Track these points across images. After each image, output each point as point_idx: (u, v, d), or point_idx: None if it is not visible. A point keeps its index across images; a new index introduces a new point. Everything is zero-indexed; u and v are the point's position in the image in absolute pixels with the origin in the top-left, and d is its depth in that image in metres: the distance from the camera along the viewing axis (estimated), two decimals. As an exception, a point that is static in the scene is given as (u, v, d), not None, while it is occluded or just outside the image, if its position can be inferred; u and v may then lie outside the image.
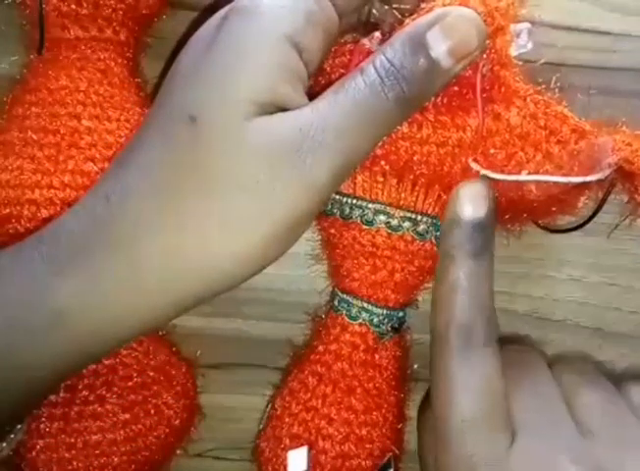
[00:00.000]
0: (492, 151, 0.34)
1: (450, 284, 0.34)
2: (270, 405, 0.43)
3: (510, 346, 0.38)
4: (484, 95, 0.33)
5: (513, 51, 0.32)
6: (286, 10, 0.31)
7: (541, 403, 0.34)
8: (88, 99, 0.37)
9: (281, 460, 0.40)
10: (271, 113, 0.30)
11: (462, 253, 0.34)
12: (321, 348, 0.41)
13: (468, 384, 0.33)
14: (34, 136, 0.37)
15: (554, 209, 0.37)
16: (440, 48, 0.30)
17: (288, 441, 0.40)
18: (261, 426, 0.43)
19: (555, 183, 0.33)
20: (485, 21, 0.31)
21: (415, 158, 0.35)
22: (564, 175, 0.33)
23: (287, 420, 0.40)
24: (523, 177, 0.34)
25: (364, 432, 0.40)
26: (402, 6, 0.35)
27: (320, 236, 0.42)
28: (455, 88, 0.33)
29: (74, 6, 0.37)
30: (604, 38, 0.43)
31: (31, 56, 0.40)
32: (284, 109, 0.30)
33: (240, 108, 0.29)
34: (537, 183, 0.34)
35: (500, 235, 0.43)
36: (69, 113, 0.37)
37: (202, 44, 0.31)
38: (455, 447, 0.33)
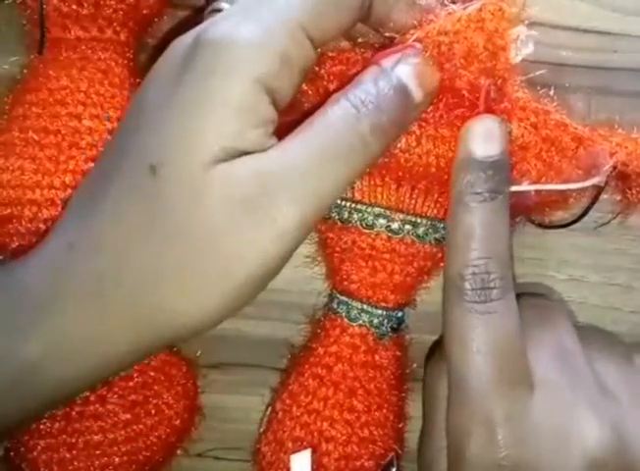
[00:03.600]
0: None
1: (463, 230, 0.33)
2: (269, 409, 0.43)
3: (532, 298, 0.37)
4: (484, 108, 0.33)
5: (516, 58, 0.32)
6: (260, 51, 0.28)
7: (561, 357, 0.34)
8: (89, 99, 0.37)
9: (283, 464, 0.40)
10: (235, 157, 0.28)
11: (475, 197, 0.32)
12: (321, 351, 0.41)
13: (485, 340, 0.32)
14: (35, 137, 0.37)
15: (548, 209, 0.38)
16: (410, 81, 0.30)
17: (290, 444, 0.40)
18: (261, 429, 0.43)
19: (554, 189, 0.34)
20: (485, 46, 0.30)
21: (414, 169, 0.35)
22: (564, 181, 0.33)
23: (288, 423, 0.40)
24: (524, 187, 0.34)
25: (367, 432, 0.40)
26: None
27: (317, 239, 0.42)
28: (455, 101, 0.33)
29: (74, 6, 0.37)
30: (604, 38, 0.43)
31: (32, 56, 0.40)
32: (250, 153, 0.29)
33: (201, 157, 0.28)
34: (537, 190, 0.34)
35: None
36: (69, 113, 0.37)
37: (168, 80, 0.29)
38: (472, 405, 0.32)
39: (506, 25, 0.30)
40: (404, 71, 0.30)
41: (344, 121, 0.29)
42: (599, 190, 0.34)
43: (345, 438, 0.39)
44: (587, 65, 0.43)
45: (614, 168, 0.33)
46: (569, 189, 0.34)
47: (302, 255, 0.43)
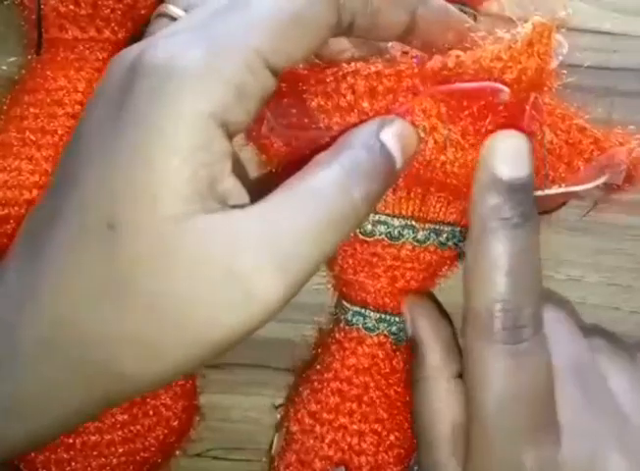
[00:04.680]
0: None
1: (490, 261, 0.29)
2: (283, 430, 0.42)
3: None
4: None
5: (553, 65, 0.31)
6: (211, 81, 0.25)
7: (581, 385, 0.32)
8: (86, 100, 0.37)
9: None
10: (198, 210, 0.25)
11: (503, 223, 0.29)
12: (337, 365, 0.40)
13: (514, 382, 0.29)
14: (32, 137, 0.37)
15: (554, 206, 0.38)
16: (394, 147, 0.28)
17: (318, 464, 0.39)
18: (273, 451, 0.43)
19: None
20: (537, 68, 0.29)
21: (441, 179, 0.33)
22: (579, 182, 0.33)
23: (312, 443, 0.40)
24: (552, 191, 0.33)
25: (393, 438, 0.39)
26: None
27: None
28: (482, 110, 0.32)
29: (72, 6, 0.37)
30: (604, 38, 0.43)
31: (30, 57, 0.40)
32: (211, 198, 0.26)
33: (162, 212, 0.25)
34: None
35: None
36: (67, 113, 0.37)
37: (107, 112, 0.26)
38: (500, 454, 0.30)
39: (553, 42, 0.29)
40: (388, 136, 0.28)
41: (336, 189, 0.26)
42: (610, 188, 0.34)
43: (374, 448, 0.39)
44: (587, 65, 0.43)
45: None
46: (586, 189, 0.33)
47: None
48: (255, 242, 0.25)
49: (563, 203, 0.36)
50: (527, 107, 0.30)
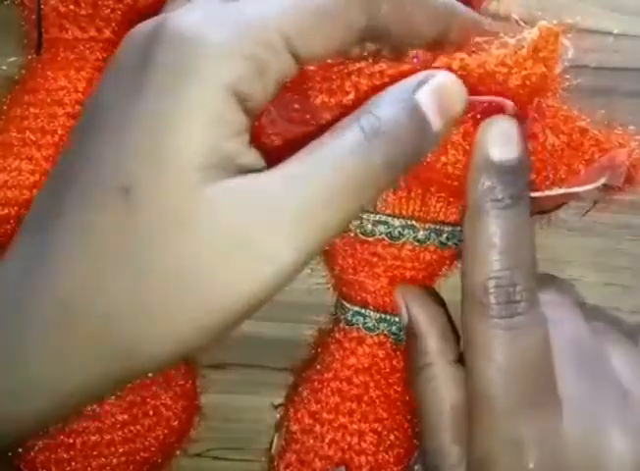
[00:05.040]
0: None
1: (484, 239, 0.30)
2: (283, 430, 0.42)
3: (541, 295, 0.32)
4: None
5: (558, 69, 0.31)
6: (231, 54, 0.25)
7: (583, 362, 0.32)
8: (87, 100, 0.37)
9: None
10: (218, 177, 0.25)
11: (496, 203, 0.29)
12: (337, 365, 0.40)
13: (512, 357, 0.30)
14: (33, 137, 0.37)
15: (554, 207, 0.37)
16: (430, 108, 0.27)
17: (318, 463, 0.39)
18: (273, 451, 0.43)
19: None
20: (542, 74, 0.29)
21: (442, 180, 0.33)
22: (579, 183, 0.33)
23: (312, 443, 0.40)
24: (553, 192, 0.32)
25: (393, 437, 0.39)
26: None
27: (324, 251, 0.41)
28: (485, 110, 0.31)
29: (72, 6, 0.37)
30: (604, 38, 0.43)
31: (30, 57, 0.40)
32: (231, 169, 0.26)
33: (182, 177, 0.25)
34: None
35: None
36: (67, 113, 0.37)
37: (126, 80, 0.27)
38: (500, 427, 0.30)
39: (559, 47, 0.29)
40: (425, 95, 0.28)
41: (354, 153, 0.26)
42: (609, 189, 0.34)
43: (374, 448, 0.39)
44: (587, 65, 0.43)
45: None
46: (586, 191, 0.32)
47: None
48: (271, 207, 0.25)
49: (563, 204, 0.36)
50: (531, 111, 0.31)
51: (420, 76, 0.28)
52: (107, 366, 0.27)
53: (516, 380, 0.30)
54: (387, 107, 0.27)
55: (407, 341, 0.38)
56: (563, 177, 0.33)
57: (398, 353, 0.40)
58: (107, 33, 0.39)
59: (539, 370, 0.31)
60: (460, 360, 0.35)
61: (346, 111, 0.30)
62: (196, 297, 0.26)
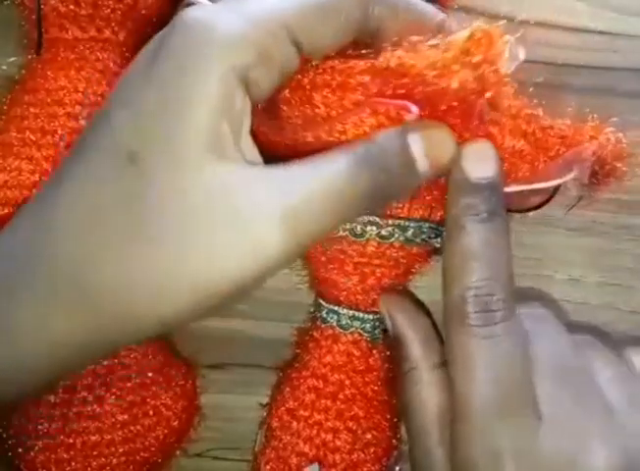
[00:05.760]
0: None
1: (463, 252, 0.31)
2: (265, 427, 0.43)
3: (522, 307, 0.34)
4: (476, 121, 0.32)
5: (507, 70, 0.31)
6: (239, 39, 0.27)
7: (564, 377, 0.32)
8: (87, 100, 0.38)
9: None
10: (217, 158, 0.27)
11: (473, 218, 0.31)
12: (314, 362, 0.40)
13: (489, 366, 0.31)
14: (33, 137, 0.37)
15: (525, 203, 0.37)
16: (419, 150, 0.30)
17: (295, 460, 0.40)
18: (256, 448, 0.43)
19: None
20: (476, 77, 0.29)
21: None
22: (545, 179, 0.33)
23: (289, 439, 0.40)
24: (511, 189, 0.33)
25: (369, 436, 0.40)
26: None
27: None
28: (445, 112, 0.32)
29: (72, 6, 0.37)
30: (604, 38, 0.43)
31: (30, 57, 0.40)
32: (231, 151, 0.27)
33: (180, 150, 0.26)
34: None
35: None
36: (67, 113, 0.37)
37: (146, 58, 0.28)
38: (478, 437, 0.31)
39: (496, 48, 0.28)
40: (415, 139, 0.30)
41: (343, 173, 0.28)
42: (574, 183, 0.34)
43: (349, 446, 0.39)
44: (587, 65, 0.43)
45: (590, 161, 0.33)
46: (551, 186, 0.33)
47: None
48: (269, 195, 0.27)
49: (543, 203, 0.36)
50: (475, 113, 0.31)
51: (416, 123, 0.30)
52: (96, 328, 0.28)
53: (495, 389, 0.31)
54: (380, 143, 0.29)
55: (393, 348, 0.38)
56: (527, 174, 0.33)
57: (374, 352, 0.40)
58: (107, 33, 0.39)
59: (518, 381, 0.31)
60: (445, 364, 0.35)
61: (302, 106, 0.32)
62: (183, 267, 0.27)
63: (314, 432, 0.40)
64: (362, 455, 0.39)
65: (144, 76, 0.28)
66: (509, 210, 0.37)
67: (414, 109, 0.30)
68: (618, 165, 0.33)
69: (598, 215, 0.42)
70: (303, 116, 0.32)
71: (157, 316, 0.27)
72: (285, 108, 0.32)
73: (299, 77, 0.31)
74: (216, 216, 0.26)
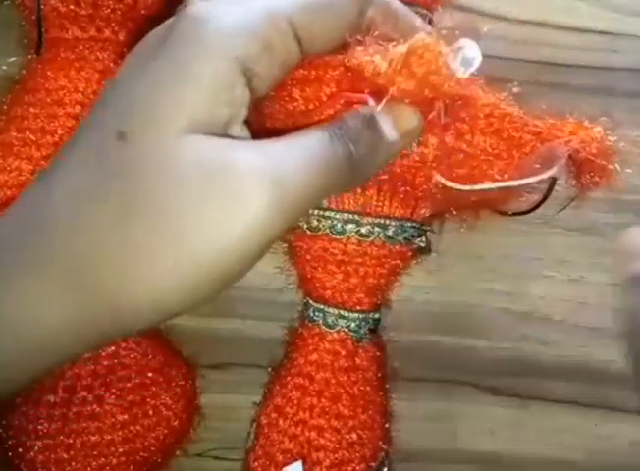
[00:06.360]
0: (456, 169, 0.34)
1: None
2: (255, 424, 0.43)
3: None
4: (446, 117, 0.32)
5: (463, 74, 0.30)
6: (242, 31, 0.28)
7: None
8: (87, 99, 0.38)
9: None
10: (206, 132, 0.27)
11: None
12: (301, 360, 0.41)
13: None
14: (33, 137, 0.37)
15: (506, 201, 0.38)
16: (385, 121, 0.31)
17: (280, 457, 0.40)
18: (248, 445, 0.43)
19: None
20: (419, 87, 0.29)
21: (379, 173, 0.34)
22: (522, 175, 0.33)
23: (276, 436, 0.40)
24: (485, 186, 0.33)
25: (355, 436, 0.40)
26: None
27: (287, 249, 0.42)
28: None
29: (72, 6, 0.37)
30: (604, 38, 0.43)
31: (30, 57, 0.40)
32: (220, 135, 0.28)
33: (172, 126, 0.26)
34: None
35: (499, 236, 0.43)
36: (67, 113, 0.37)
37: (145, 52, 0.29)
38: None
39: (442, 58, 0.28)
40: (381, 113, 0.31)
41: (321, 141, 0.29)
42: (553, 181, 0.34)
43: (334, 445, 0.39)
44: (587, 65, 0.43)
45: (569, 157, 0.32)
46: (529, 183, 0.33)
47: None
48: (255, 166, 0.27)
49: (538, 204, 0.36)
50: (435, 114, 0.31)
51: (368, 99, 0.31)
52: (81, 318, 0.27)
53: None
54: (349, 120, 0.30)
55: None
56: (503, 172, 0.33)
57: (360, 351, 0.40)
58: (107, 33, 0.39)
59: None
60: None
61: (283, 101, 0.33)
62: (172, 241, 0.26)
63: (299, 429, 0.40)
64: (347, 454, 0.39)
65: (142, 63, 0.28)
66: (496, 210, 0.38)
67: (371, 102, 0.30)
68: (605, 163, 0.33)
69: (598, 215, 0.42)
70: (284, 110, 0.33)
71: (151, 299, 0.27)
72: (267, 104, 0.33)
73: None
74: (206, 186, 0.26)
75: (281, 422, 0.40)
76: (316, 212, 0.38)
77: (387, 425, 0.42)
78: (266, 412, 0.42)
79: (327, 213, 0.38)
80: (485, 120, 0.32)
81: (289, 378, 0.41)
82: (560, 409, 0.46)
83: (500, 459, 0.46)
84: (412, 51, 0.28)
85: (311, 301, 0.41)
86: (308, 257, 0.39)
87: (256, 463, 0.41)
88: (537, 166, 0.32)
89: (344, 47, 0.31)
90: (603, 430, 0.46)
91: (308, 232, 0.38)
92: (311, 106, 0.32)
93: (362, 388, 0.40)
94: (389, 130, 0.31)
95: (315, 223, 0.38)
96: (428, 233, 0.40)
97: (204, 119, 0.27)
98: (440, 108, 0.31)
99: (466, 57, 0.29)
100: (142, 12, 0.40)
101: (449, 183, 0.34)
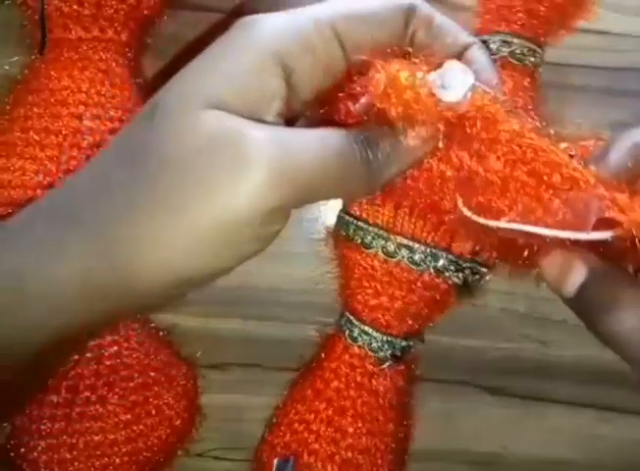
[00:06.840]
0: (476, 197, 0.30)
1: None
2: (274, 413, 0.44)
3: None
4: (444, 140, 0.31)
5: (453, 98, 0.29)
6: (283, 31, 0.30)
7: None
8: (90, 99, 0.38)
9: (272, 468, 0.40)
10: (228, 112, 0.28)
11: None
12: (325, 364, 0.41)
13: None
14: (36, 137, 0.37)
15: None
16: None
17: (279, 448, 0.40)
18: (265, 433, 0.44)
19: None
20: (400, 115, 0.29)
21: (409, 191, 0.33)
22: (556, 223, 0.28)
23: (282, 428, 0.41)
24: (506, 224, 0.29)
25: (350, 455, 0.40)
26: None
27: (334, 254, 0.43)
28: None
29: (75, 7, 0.38)
30: (604, 38, 0.43)
31: (33, 57, 0.40)
32: (243, 116, 0.28)
33: (197, 100, 0.28)
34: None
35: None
36: (71, 113, 0.37)
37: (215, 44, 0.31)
38: None
39: (418, 84, 0.28)
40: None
41: (341, 139, 0.29)
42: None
43: (326, 455, 0.39)
44: (587, 65, 0.43)
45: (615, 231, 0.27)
46: (556, 237, 0.28)
47: (303, 254, 0.43)
48: (261, 138, 0.27)
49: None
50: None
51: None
52: (94, 268, 0.28)
53: None
54: (370, 130, 0.30)
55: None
56: (528, 206, 0.29)
57: (379, 374, 0.40)
58: (110, 33, 0.39)
59: None
60: None
61: None
62: (189, 202, 0.27)
63: (301, 428, 0.40)
64: (337, 470, 0.40)
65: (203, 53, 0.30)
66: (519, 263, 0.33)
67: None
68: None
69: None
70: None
71: (158, 258, 0.27)
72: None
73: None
74: (215, 152, 0.27)
75: (291, 415, 0.41)
76: (353, 221, 0.38)
77: (391, 457, 0.41)
78: (284, 404, 0.42)
79: (360, 224, 0.38)
80: (506, 146, 0.30)
81: (310, 378, 0.41)
82: (560, 409, 0.46)
83: (500, 459, 0.46)
84: (390, 78, 0.28)
85: (346, 311, 0.41)
86: (344, 266, 0.40)
87: (262, 450, 0.42)
88: (570, 216, 0.28)
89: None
90: (603, 430, 0.46)
91: (344, 240, 0.39)
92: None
93: (372, 412, 0.40)
94: (410, 136, 0.31)
95: (351, 232, 0.39)
96: (474, 275, 0.39)
97: (230, 99, 0.28)
98: (440, 131, 0.30)
99: (453, 80, 0.29)
100: (145, 12, 0.40)
101: (465, 211, 0.31)
